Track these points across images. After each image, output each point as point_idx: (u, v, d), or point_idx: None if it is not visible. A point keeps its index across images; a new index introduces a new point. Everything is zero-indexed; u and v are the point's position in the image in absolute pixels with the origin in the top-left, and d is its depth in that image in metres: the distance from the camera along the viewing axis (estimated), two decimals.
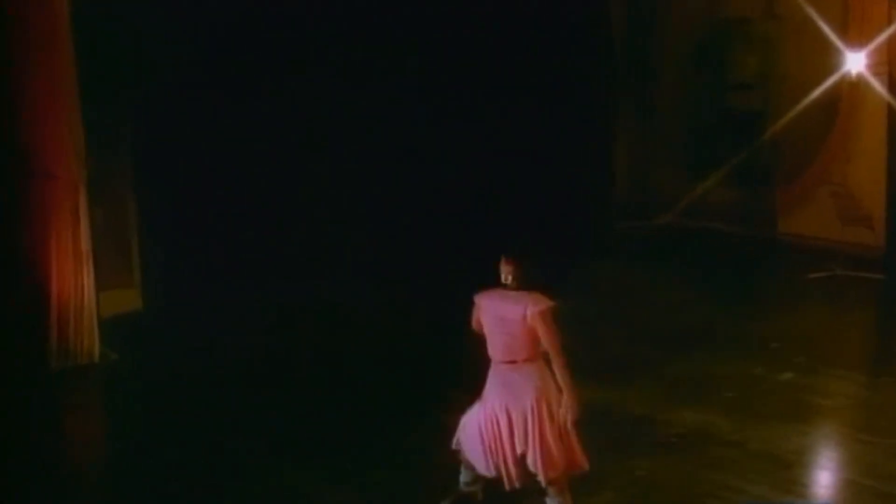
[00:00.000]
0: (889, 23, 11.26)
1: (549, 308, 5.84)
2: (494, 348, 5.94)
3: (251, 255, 10.10)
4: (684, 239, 12.68)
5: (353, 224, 10.68)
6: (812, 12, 11.60)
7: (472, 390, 6.17)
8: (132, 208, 9.82)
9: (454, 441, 6.21)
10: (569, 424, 5.89)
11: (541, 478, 5.92)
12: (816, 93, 11.77)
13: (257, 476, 6.95)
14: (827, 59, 11.80)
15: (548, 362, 5.93)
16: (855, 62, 11.57)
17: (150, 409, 8.16)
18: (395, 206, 10.82)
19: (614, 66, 13.01)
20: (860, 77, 11.62)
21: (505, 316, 5.86)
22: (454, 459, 6.25)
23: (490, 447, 5.96)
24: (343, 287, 10.19)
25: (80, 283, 8.87)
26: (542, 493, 6.06)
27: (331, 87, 10.33)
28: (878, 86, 11.45)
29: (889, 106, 11.35)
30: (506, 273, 5.87)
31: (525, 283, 5.89)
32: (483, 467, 6.03)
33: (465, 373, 6.39)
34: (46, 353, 8.79)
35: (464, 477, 6.28)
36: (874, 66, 11.45)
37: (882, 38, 11.32)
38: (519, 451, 5.88)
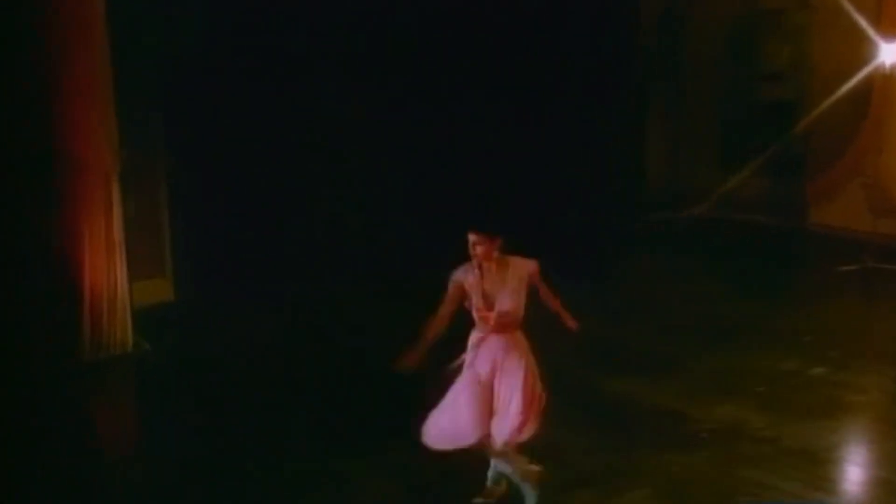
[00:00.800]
0: None
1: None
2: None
3: (282, 245, 10.10)
4: (715, 230, 12.65)
5: (385, 216, 10.66)
6: (845, 2, 11.50)
7: None
8: (164, 199, 9.85)
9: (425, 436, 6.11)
10: None
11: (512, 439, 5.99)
12: (849, 84, 11.68)
13: (289, 464, 6.99)
14: (860, 50, 11.70)
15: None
16: (888, 53, 11.46)
17: (182, 398, 8.19)
18: (420, 198, 10.77)
19: (646, 57, 12.92)
20: (893, 68, 11.51)
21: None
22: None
23: (480, 413, 5.99)
24: (374, 277, 10.19)
25: (112, 274, 8.85)
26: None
27: (366, 79, 10.29)
28: None
29: None
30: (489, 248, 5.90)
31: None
32: (469, 435, 6.00)
33: None
34: (79, 344, 8.79)
35: (493, 473, 6.31)
36: None
37: None
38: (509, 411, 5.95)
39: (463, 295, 5.93)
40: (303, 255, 10.11)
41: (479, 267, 5.89)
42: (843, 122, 12.09)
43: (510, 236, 5.94)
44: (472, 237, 5.88)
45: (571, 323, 6.21)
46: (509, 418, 5.93)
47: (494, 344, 5.99)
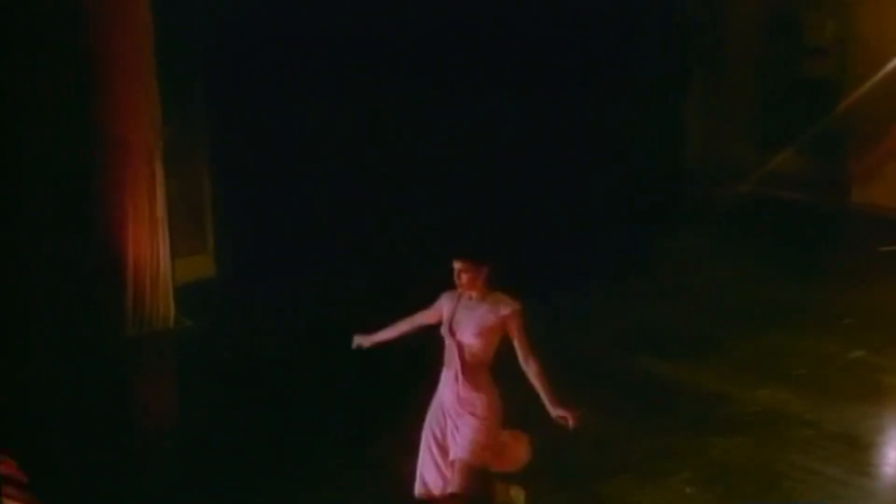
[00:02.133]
0: None
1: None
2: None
3: (323, 222, 10.09)
4: (755, 208, 12.49)
5: (426, 195, 10.57)
6: None
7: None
8: (206, 176, 9.88)
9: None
10: None
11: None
12: (895, 60, 11.51)
13: (330, 441, 7.01)
14: None
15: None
16: None
17: (223, 374, 8.26)
18: (455, 176, 10.70)
19: (686, 30, 12.76)
20: None
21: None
22: None
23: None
24: (418, 255, 10.13)
25: (155, 250, 8.98)
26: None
27: (408, 60, 10.22)
28: None
29: None
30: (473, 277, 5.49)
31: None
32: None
33: None
34: (123, 319, 8.93)
35: None
36: None
37: None
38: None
39: (439, 319, 5.61)
40: (345, 231, 10.07)
41: (461, 296, 5.55)
42: (887, 99, 11.91)
43: (497, 266, 5.56)
44: (457, 265, 5.46)
45: (560, 412, 5.40)
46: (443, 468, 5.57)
47: (459, 379, 5.55)
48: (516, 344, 5.46)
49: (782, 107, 12.90)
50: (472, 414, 5.50)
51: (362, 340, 5.94)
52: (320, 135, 10.01)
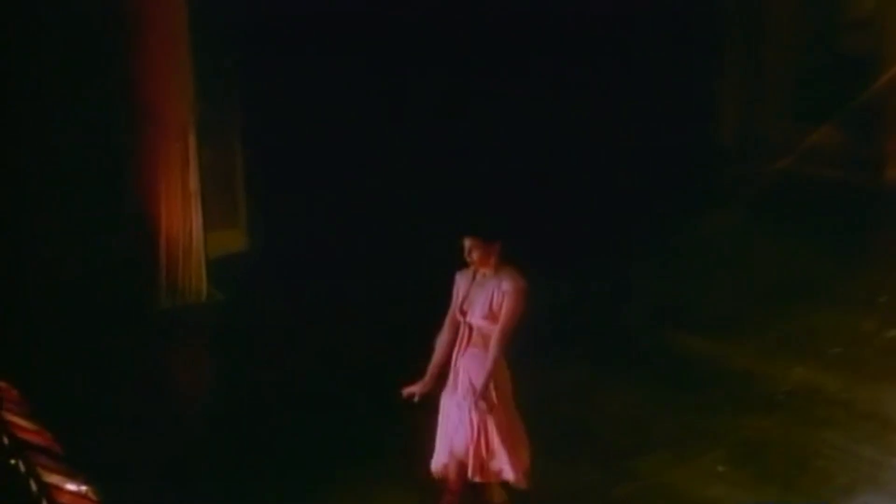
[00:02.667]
0: None
1: None
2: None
3: (355, 196, 10.08)
4: (789, 185, 12.36)
5: (454, 173, 10.49)
6: None
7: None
8: (238, 151, 9.91)
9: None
10: None
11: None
12: None
13: (361, 416, 7.03)
14: None
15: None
16: None
17: (254, 348, 8.31)
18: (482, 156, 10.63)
19: (721, 6, 12.61)
20: None
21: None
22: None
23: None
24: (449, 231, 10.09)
25: (188, 224, 9.07)
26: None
27: (435, 37, 10.17)
28: None
29: None
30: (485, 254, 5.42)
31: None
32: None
33: None
34: (156, 292, 9.02)
35: None
36: None
37: None
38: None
39: None
40: (378, 206, 10.05)
41: (475, 273, 5.43)
42: None
43: (508, 240, 5.47)
44: (466, 242, 5.38)
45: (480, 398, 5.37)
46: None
47: (467, 361, 5.48)
48: (500, 319, 5.34)
49: (819, 82, 12.74)
50: (482, 399, 5.39)
51: (415, 388, 5.61)
52: (355, 109, 9.96)
